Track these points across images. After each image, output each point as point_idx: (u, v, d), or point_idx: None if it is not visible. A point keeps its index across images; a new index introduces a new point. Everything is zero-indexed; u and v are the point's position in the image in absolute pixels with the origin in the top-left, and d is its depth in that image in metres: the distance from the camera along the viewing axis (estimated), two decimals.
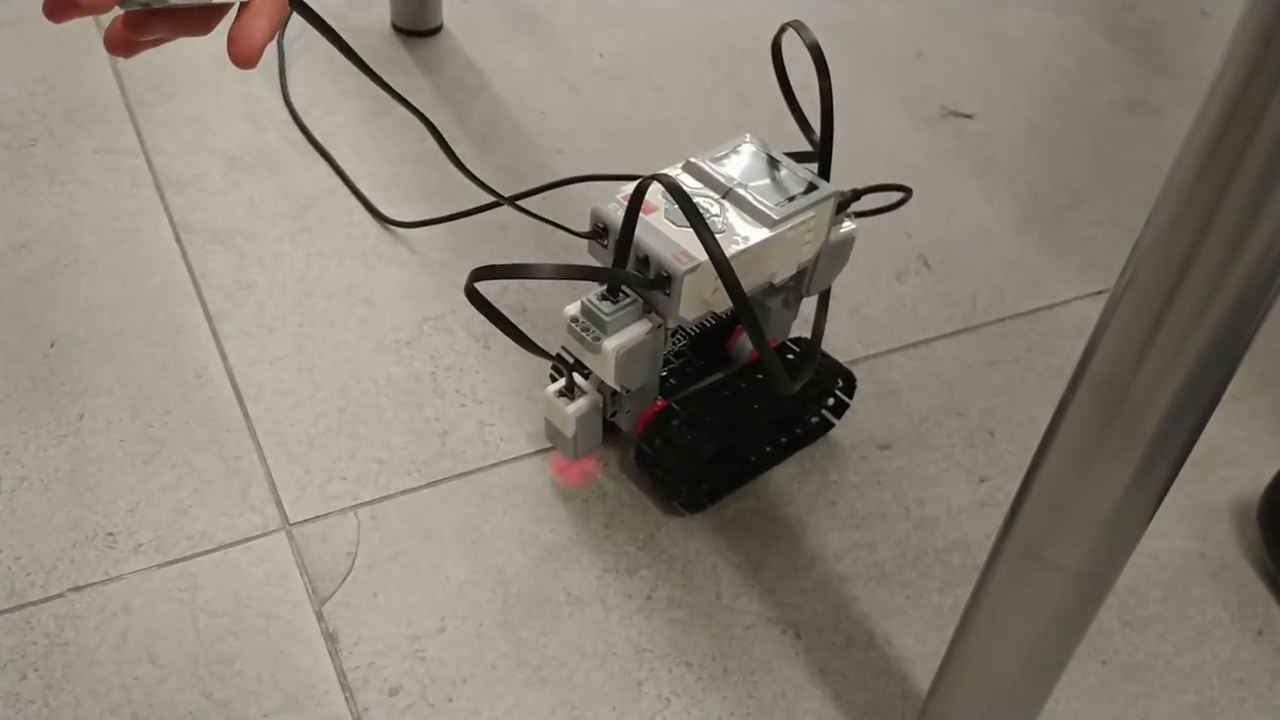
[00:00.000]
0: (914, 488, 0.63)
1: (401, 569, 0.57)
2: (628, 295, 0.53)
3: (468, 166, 0.62)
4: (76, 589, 0.54)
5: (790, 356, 0.62)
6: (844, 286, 0.75)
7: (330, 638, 0.54)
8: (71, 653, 0.52)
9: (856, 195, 0.58)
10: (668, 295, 0.52)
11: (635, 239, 0.52)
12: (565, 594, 0.57)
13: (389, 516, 0.59)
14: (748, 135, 0.58)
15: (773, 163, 0.57)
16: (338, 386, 0.66)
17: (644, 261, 0.52)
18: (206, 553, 0.57)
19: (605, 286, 0.53)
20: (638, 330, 0.53)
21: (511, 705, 0.52)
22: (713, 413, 0.58)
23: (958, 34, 1.00)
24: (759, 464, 0.62)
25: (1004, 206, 0.83)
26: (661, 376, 0.60)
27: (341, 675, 0.53)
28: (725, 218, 0.54)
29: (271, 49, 0.87)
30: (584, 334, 0.52)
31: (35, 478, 0.59)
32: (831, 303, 0.73)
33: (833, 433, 0.66)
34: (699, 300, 0.53)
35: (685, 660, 0.54)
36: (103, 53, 0.86)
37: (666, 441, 0.58)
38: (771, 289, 0.58)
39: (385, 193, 0.78)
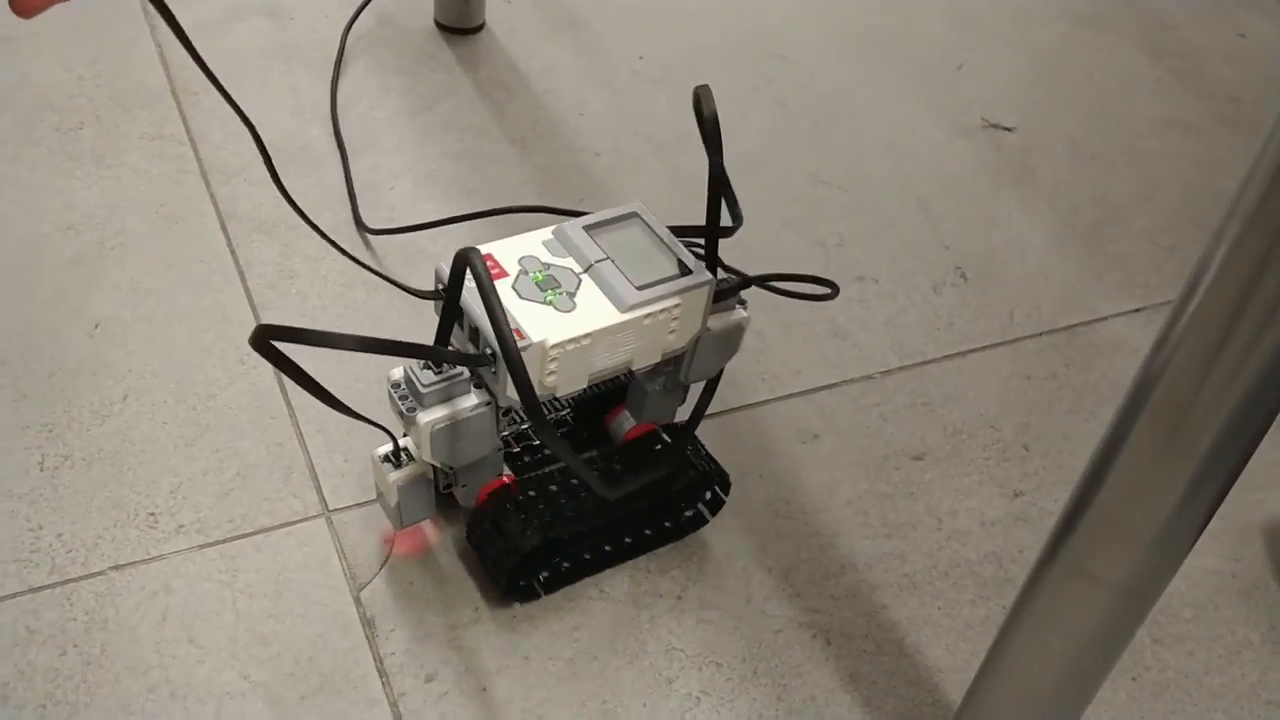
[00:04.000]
0: (947, 499, 0.63)
1: (438, 558, 0.58)
2: (456, 368, 0.48)
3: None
4: (117, 567, 0.55)
5: (658, 446, 0.57)
6: (879, 295, 0.75)
7: (368, 623, 0.55)
8: (111, 630, 0.53)
9: (745, 284, 0.54)
10: (494, 374, 0.48)
11: (466, 309, 0.47)
12: (598, 590, 0.57)
13: None
14: (639, 206, 0.53)
15: (654, 240, 0.52)
16: (377, 377, 0.66)
17: (475, 333, 0.48)
18: (247, 536, 0.57)
19: None
20: (461, 405, 0.48)
21: (544, 697, 0.53)
22: (555, 500, 0.54)
23: (998, 47, 1.00)
24: (614, 554, 0.57)
25: (1042, 221, 0.83)
26: (522, 449, 0.57)
27: (379, 660, 0.53)
28: (579, 296, 0.49)
29: (333, 44, 0.88)
30: (401, 403, 0.48)
31: (78, 456, 0.60)
32: (866, 312, 0.74)
33: (865, 441, 0.66)
34: (533, 383, 0.46)
35: (715, 660, 0.55)
36: (151, 41, 0.87)
37: (494, 527, 0.54)
38: (654, 372, 0.55)
39: (425, 189, 0.78)
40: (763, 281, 0.56)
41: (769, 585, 0.58)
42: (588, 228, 0.51)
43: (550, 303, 0.48)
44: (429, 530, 0.58)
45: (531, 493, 0.54)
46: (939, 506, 0.63)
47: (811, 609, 0.57)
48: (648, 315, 0.49)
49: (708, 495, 0.59)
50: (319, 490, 0.60)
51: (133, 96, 0.82)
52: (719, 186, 0.49)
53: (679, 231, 0.53)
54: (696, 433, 0.58)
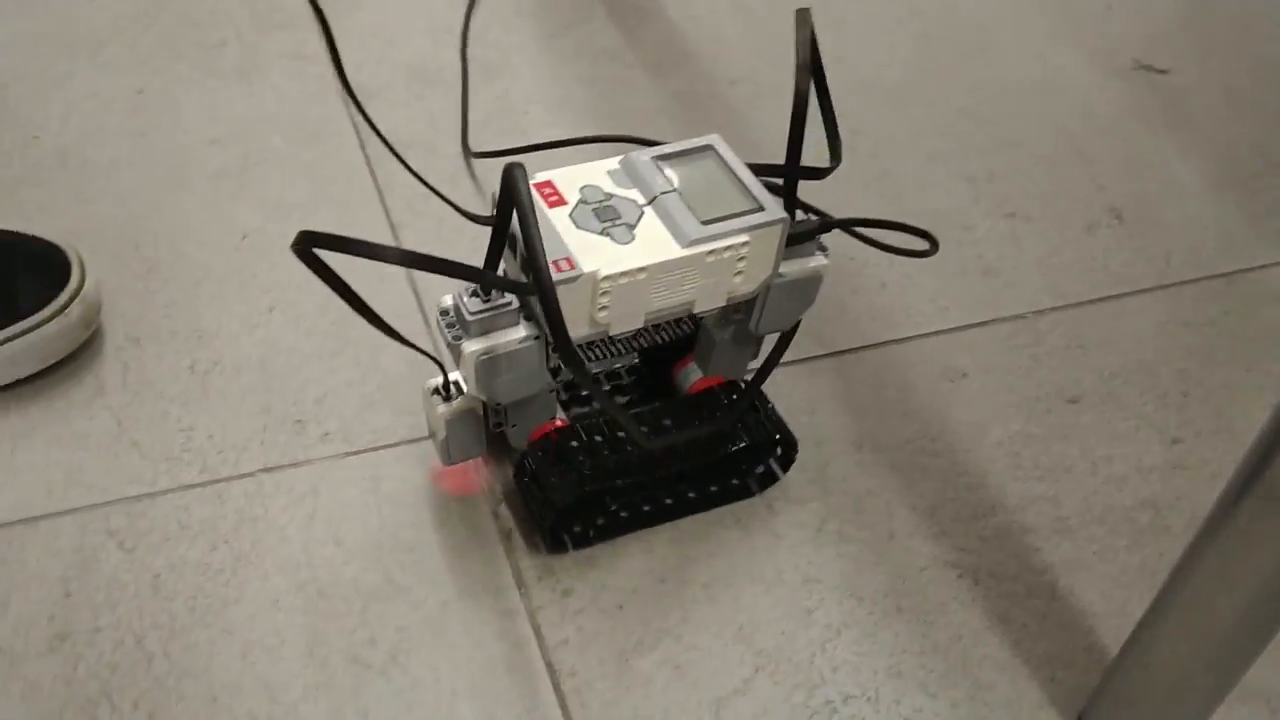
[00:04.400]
0: (1102, 444, 0.61)
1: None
2: (505, 296, 0.45)
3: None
4: (267, 470, 0.56)
5: (721, 402, 0.54)
6: (1031, 234, 0.72)
7: (505, 536, 0.55)
8: (261, 529, 0.54)
9: (824, 226, 0.49)
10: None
11: (518, 234, 0.43)
12: (734, 519, 0.56)
13: None
14: (716, 138, 0.49)
15: (728, 175, 0.48)
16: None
17: (526, 260, 0.45)
18: (389, 447, 0.58)
19: None
20: (508, 336, 0.46)
21: (680, 619, 0.52)
22: (598, 451, 0.51)
23: None
24: (656, 514, 0.55)
25: (1198, 165, 0.79)
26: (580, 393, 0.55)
27: (517, 572, 0.53)
28: (639, 228, 0.46)
29: None
30: (447, 331, 0.46)
31: (227, 362, 0.60)
32: (1017, 250, 0.71)
33: (1017, 381, 0.63)
34: (583, 318, 0.45)
35: (856, 594, 0.54)
36: None
37: (532, 477, 0.52)
38: (723, 320, 0.52)
39: (556, 114, 0.78)
40: (848, 226, 0.52)
41: (913, 522, 0.57)
42: (657, 158, 0.48)
43: (608, 234, 0.45)
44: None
45: (574, 443, 0.51)
46: (1094, 451, 0.60)
47: (958, 548, 0.56)
48: (711, 252, 0.45)
49: (768, 460, 0.56)
50: None
51: (273, 16, 0.83)
52: (799, 118, 0.45)
53: (771, 172, 0.49)
54: (783, 391, 0.56)
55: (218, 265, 0.65)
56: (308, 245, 0.38)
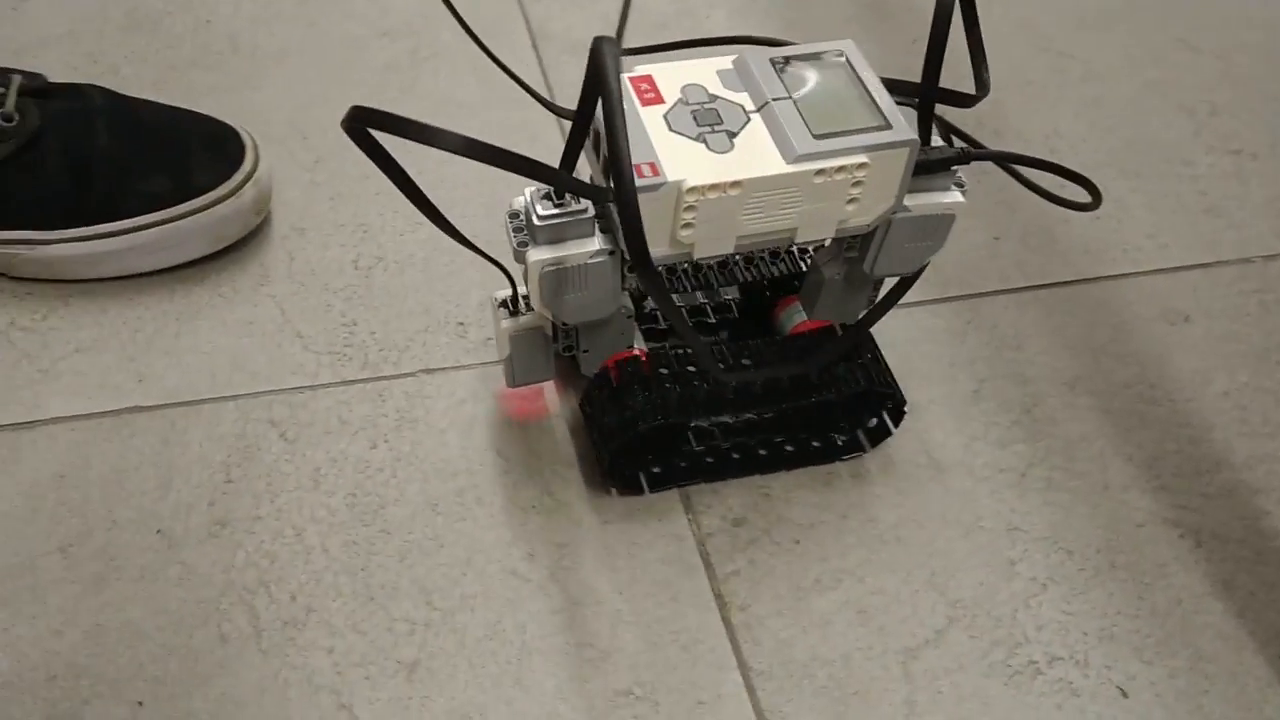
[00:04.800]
0: None
1: None
2: (580, 203, 0.40)
3: None
4: (429, 370, 0.53)
5: (821, 346, 0.47)
6: (1259, 173, 0.65)
7: None
8: (421, 430, 0.51)
9: (963, 157, 0.42)
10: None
11: (603, 132, 0.37)
12: (926, 456, 0.51)
13: None
14: (849, 44, 0.42)
15: (856, 87, 0.40)
16: None
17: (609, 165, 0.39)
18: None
19: None
20: (580, 248, 0.40)
21: (863, 559, 0.47)
22: (689, 382, 0.46)
23: None
24: (746, 464, 0.49)
25: None
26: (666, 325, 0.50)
27: (684, 496, 0.49)
28: (741, 136, 0.39)
29: None
30: (514, 235, 0.41)
31: (391, 260, 0.58)
32: (1243, 189, 0.63)
33: (1244, 330, 0.56)
34: (663, 234, 0.39)
35: (1065, 547, 0.48)
36: None
37: (611, 396, 0.46)
38: (834, 255, 0.46)
39: (741, 18, 0.73)
40: (1002, 160, 0.44)
41: (1129, 474, 0.51)
42: (776, 61, 0.41)
43: (703, 140, 0.39)
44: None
45: (664, 370, 0.46)
46: None
47: (1179, 505, 0.50)
48: (820, 171, 0.39)
49: (880, 413, 0.49)
50: None
51: None
52: (941, 27, 0.38)
53: (912, 92, 0.41)
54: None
55: None
56: (360, 123, 0.33)
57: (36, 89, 0.53)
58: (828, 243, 0.46)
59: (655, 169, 0.38)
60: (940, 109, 0.41)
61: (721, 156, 0.38)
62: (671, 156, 0.38)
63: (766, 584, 0.47)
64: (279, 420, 0.51)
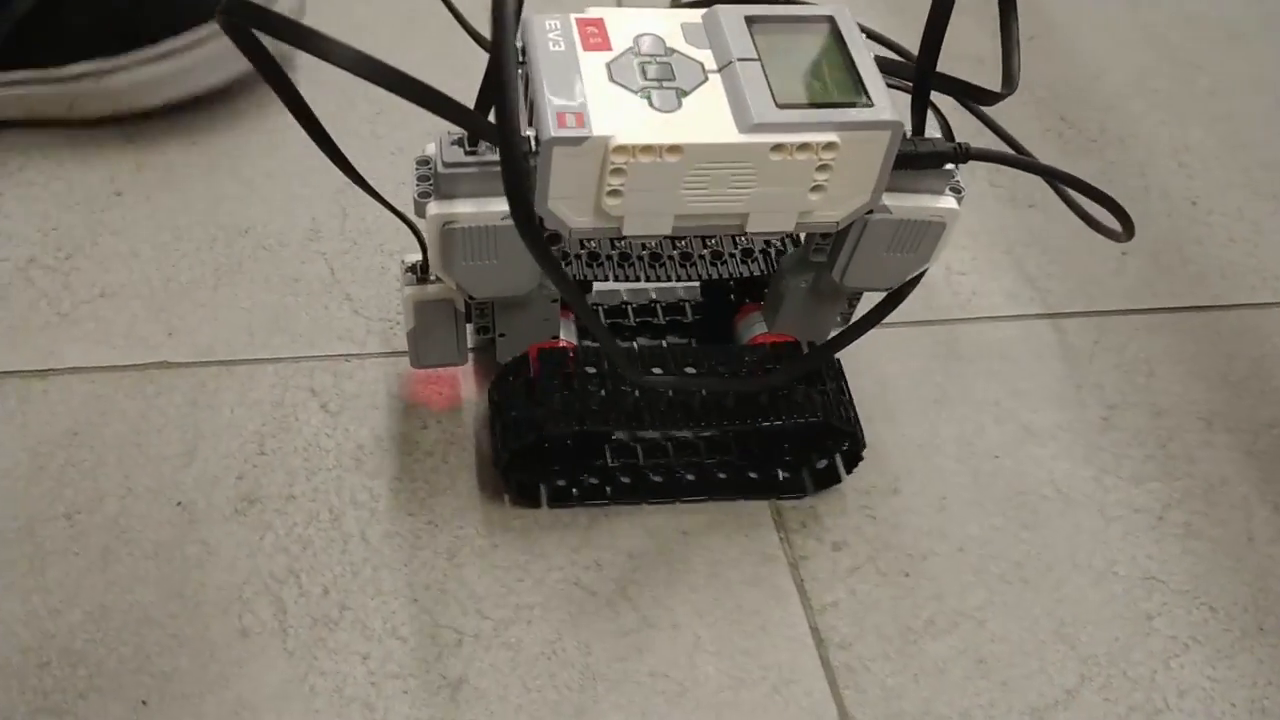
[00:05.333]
0: None
1: None
2: (493, 150, 0.33)
3: None
4: None
5: (771, 364, 0.41)
6: None
7: None
8: (476, 413, 0.45)
9: (960, 154, 0.35)
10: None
11: (530, 76, 0.32)
12: (1052, 487, 0.45)
13: None
14: (839, 9, 0.35)
15: (839, 56, 0.34)
16: None
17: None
18: None
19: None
20: (487, 207, 0.33)
21: (983, 600, 0.41)
22: (616, 386, 0.39)
23: None
24: (666, 488, 0.43)
25: None
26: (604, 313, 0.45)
27: (775, 511, 0.43)
28: (692, 97, 0.33)
29: None
30: (418, 184, 0.34)
31: None
32: None
33: None
34: (586, 200, 0.33)
35: (1208, 603, 0.42)
36: None
37: (526, 388, 0.40)
38: (799, 260, 0.40)
39: None
40: (1027, 168, 0.38)
41: (1276, 525, 0.45)
42: (752, 19, 0.35)
43: (647, 95, 0.32)
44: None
45: (590, 369, 0.39)
46: None
47: None
48: (778, 147, 0.32)
49: (831, 453, 0.43)
50: None
51: None
52: (942, 7, 0.32)
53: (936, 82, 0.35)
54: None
55: None
56: (237, 18, 0.27)
57: None
58: (790, 239, 0.40)
59: (580, 119, 0.31)
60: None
61: (665, 116, 0.32)
62: (604, 109, 0.32)
63: (871, 620, 0.41)
64: (320, 389, 0.45)
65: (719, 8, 0.35)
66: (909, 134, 0.34)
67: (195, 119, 0.54)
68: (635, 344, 0.46)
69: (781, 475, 0.44)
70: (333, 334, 0.47)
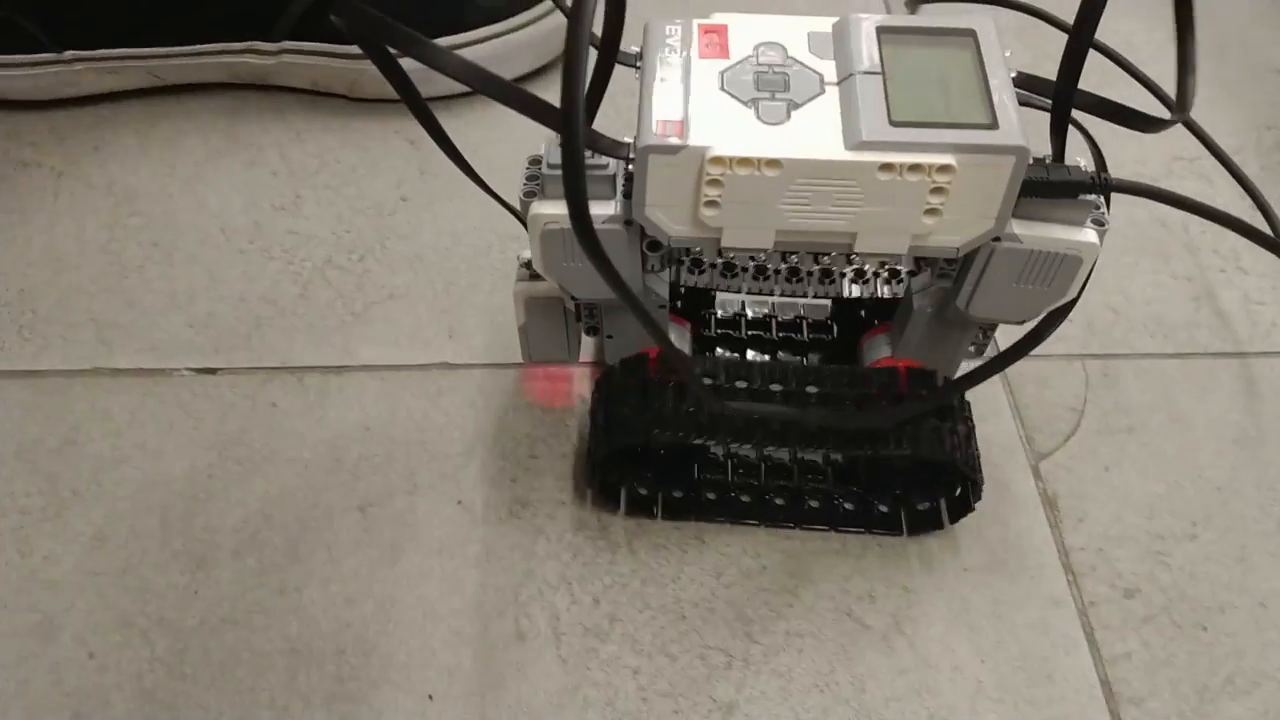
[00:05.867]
0: None
1: (1139, 447, 0.44)
2: (602, 158, 0.33)
3: None
4: None
5: (891, 392, 0.38)
6: None
7: (1049, 503, 0.42)
8: None
9: (1099, 185, 0.32)
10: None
11: (641, 80, 0.32)
12: None
13: (1124, 379, 0.46)
14: (985, 24, 0.33)
15: (972, 74, 0.32)
16: None
17: None
18: None
19: None
20: (593, 210, 0.32)
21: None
22: (687, 400, 0.38)
23: None
24: (760, 511, 0.42)
25: None
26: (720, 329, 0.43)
27: (1062, 552, 0.41)
28: (803, 110, 0.31)
29: None
30: (525, 183, 0.34)
31: None
32: None
33: None
34: (683, 210, 0.32)
35: None
36: None
37: (596, 403, 0.40)
38: (927, 284, 0.37)
39: None
40: (1106, 185, 0.33)
41: None
42: (884, 29, 0.33)
43: (755, 106, 0.31)
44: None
45: (709, 379, 0.38)
46: None
47: None
48: (887, 166, 0.30)
49: (939, 496, 0.41)
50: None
51: None
52: (1088, 19, 0.28)
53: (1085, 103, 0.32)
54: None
55: None
56: (359, 29, 0.28)
57: None
58: (908, 261, 0.37)
59: (680, 129, 0.31)
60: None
61: (769, 128, 0.31)
62: (708, 118, 0.31)
63: (1164, 675, 0.38)
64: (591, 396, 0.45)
65: (851, 16, 0.33)
66: (1048, 159, 0.32)
67: (475, 121, 0.55)
68: (750, 355, 0.45)
69: (880, 508, 0.42)
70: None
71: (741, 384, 0.38)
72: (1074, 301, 0.35)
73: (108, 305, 0.47)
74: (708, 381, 0.38)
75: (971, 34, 0.32)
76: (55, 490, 0.41)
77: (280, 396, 0.44)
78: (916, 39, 0.32)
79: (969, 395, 0.39)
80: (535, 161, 0.34)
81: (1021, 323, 0.36)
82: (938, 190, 0.30)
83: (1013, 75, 0.32)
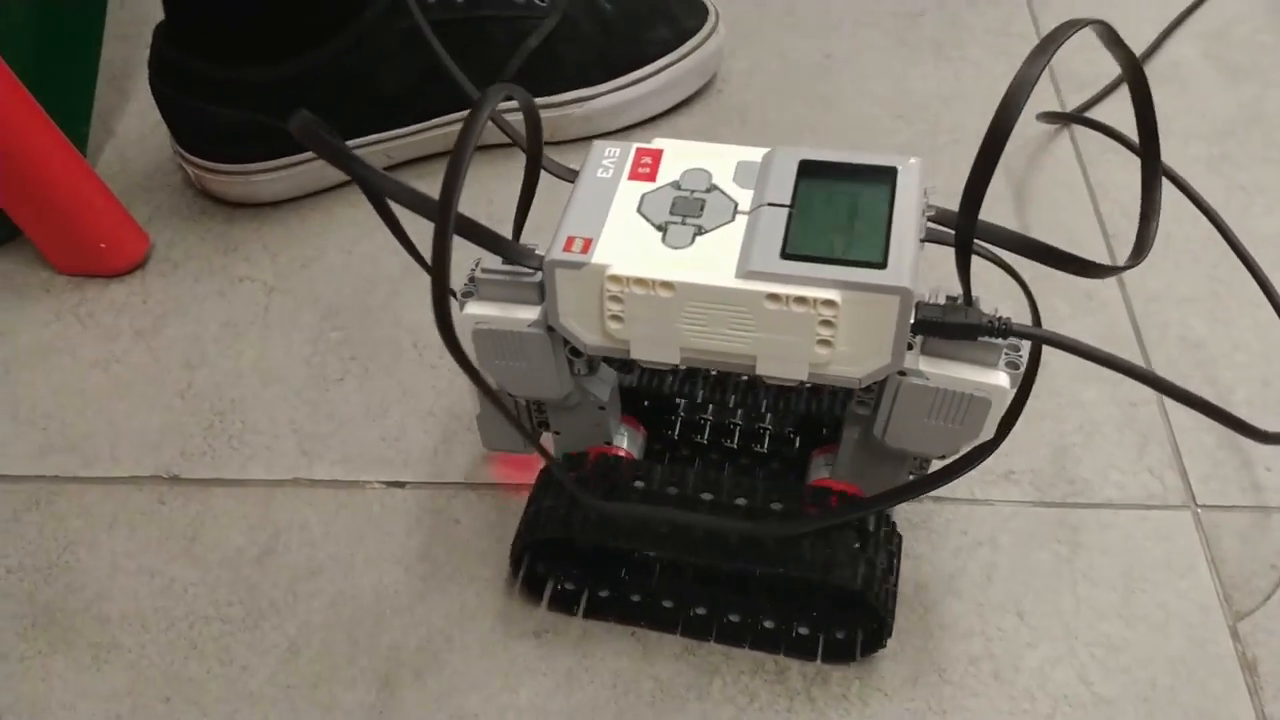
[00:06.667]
0: None
1: None
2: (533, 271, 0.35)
3: None
4: (937, 500, 0.46)
5: (793, 509, 0.38)
6: None
7: (1248, 666, 0.40)
8: (924, 570, 0.44)
9: (998, 328, 0.32)
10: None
11: (569, 199, 0.35)
12: None
13: None
14: (915, 163, 0.33)
15: (882, 209, 0.32)
16: (1261, 351, 0.51)
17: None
18: (1091, 506, 0.45)
19: None
20: (514, 313, 0.36)
21: None
22: (658, 503, 0.39)
23: None
24: (681, 620, 0.42)
25: None
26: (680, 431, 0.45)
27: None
28: (708, 238, 0.33)
29: None
30: (465, 284, 0.37)
31: None
32: None
33: None
34: (592, 322, 0.34)
35: None
36: None
37: (532, 494, 0.42)
38: (857, 414, 0.38)
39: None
40: (1000, 328, 0.32)
41: None
42: (810, 164, 0.34)
43: (665, 229, 0.33)
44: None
45: (639, 483, 0.40)
46: None
47: None
48: (774, 296, 0.31)
49: (853, 627, 0.41)
50: (1183, 474, 0.46)
51: None
52: (989, 157, 0.28)
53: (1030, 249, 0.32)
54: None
55: None
56: (305, 125, 0.30)
57: None
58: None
59: (587, 246, 0.33)
60: None
61: (671, 252, 0.33)
62: (616, 238, 0.33)
63: None
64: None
65: (780, 149, 0.35)
66: (957, 300, 0.33)
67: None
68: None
69: (798, 632, 0.42)
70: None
71: (639, 484, 0.40)
72: (996, 442, 0.34)
73: (309, 417, 0.50)
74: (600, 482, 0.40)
75: (893, 172, 0.34)
76: (255, 600, 0.43)
77: (463, 513, 0.46)
78: (836, 174, 0.34)
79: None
80: (475, 267, 0.37)
81: (942, 457, 0.37)
82: (826, 323, 0.32)
83: (929, 214, 0.33)
